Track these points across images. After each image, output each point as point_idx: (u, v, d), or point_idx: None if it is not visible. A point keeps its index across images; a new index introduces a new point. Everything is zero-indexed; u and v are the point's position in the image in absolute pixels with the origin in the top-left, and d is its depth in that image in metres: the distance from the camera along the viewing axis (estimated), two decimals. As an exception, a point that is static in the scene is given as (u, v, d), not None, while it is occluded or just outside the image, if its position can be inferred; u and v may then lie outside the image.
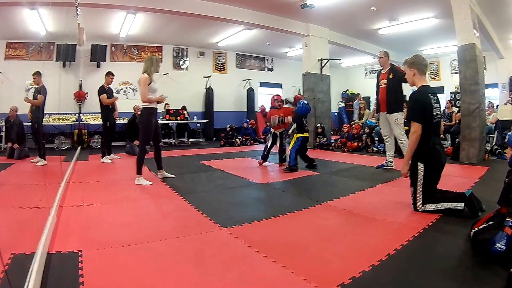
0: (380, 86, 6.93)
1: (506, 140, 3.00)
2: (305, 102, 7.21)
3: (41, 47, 11.49)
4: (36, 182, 5.77)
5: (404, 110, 6.66)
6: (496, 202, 2.92)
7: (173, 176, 6.09)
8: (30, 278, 2.00)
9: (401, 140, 6.69)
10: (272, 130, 7.44)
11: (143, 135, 5.69)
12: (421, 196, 3.77)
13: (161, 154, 6.07)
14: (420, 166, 3.78)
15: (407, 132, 5.07)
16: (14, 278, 2.12)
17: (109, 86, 8.09)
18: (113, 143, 8.75)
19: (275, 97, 7.44)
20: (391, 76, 6.62)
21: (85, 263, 2.47)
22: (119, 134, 12.02)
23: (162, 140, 12.77)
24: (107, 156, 8.09)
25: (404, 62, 4.21)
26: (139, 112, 9.45)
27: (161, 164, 6.08)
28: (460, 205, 3.58)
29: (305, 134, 6.95)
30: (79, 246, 2.80)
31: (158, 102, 5.74)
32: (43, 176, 6.41)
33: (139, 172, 5.60)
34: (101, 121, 8.22)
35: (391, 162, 6.89)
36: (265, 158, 7.61)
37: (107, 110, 7.96)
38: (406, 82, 6.17)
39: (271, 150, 7.57)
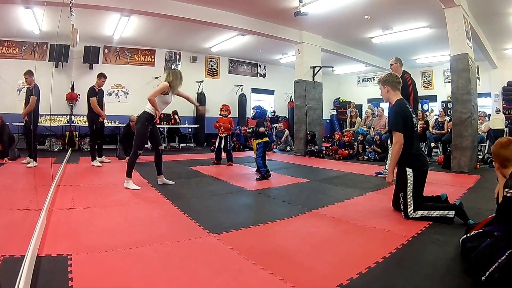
0: None
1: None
2: (260, 106, 7.45)
3: (35, 46, 11.41)
4: (27, 183, 5.76)
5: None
6: (487, 211, 2.96)
7: (172, 183, 5.98)
8: (19, 281, 2.01)
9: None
10: (219, 134, 8.61)
11: (137, 139, 5.58)
12: (411, 202, 3.85)
13: (161, 159, 5.97)
14: (409, 171, 3.90)
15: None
16: (4, 280, 2.13)
17: (100, 88, 8.04)
18: (103, 146, 8.68)
19: (223, 107, 8.80)
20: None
21: (74, 267, 2.48)
22: (110, 138, 12.00)
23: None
24: (97, 159, 8.04)
25: (378, 81, 4.47)
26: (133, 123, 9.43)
27: (161, 169, 5.96)
28: (451, 213, 3.67)
29: (265, 139, 6.99)
30: (68, 249, 2.80)
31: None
32: (33, 177, 6.39)
33: (128, 175, 5.54)
34: (88, 124, 8.18)
35: None
36: (219, 158, 8.74)
37: (94, 113, 7.88)
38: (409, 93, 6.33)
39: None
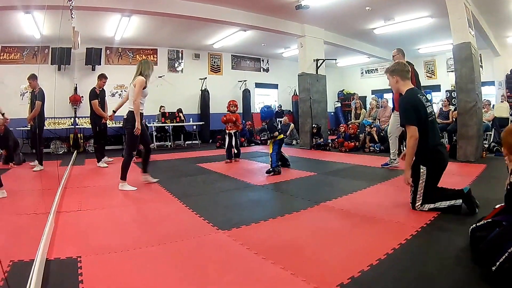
0: None
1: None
2: (267, 106, 7.57)
3: (36, 50, 11.45)
4: (33, 187, 5.75)
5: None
6: (494, 200, 2.92)
7: (156, 180, 5.91)
8: (30, 286, 1.99)
9: (390, 136, 6.93)
10: (227, 131, 8.47)
11: (130, 141, 5.45)
12: (421, 197, 3.75)
13: (149, 157, 5.91)
14: (423, 169, 3.73)
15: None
16: (14, 285, 2.12)
17: (102, 88, 7.99)
18: (107, 147, 8.65)
19: (231, 102, 8.60)
20: None
21: (85, 269, 2.47)
22: (115, 138, 12.03)
23: (158, 143, 12.77)
24: (103, 160, 8.02)
25: (386, 71, 4.27)
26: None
27: (147, 167, 5.90)
28: (458, 202, 3.59)
29: (280, 137, 6.93)
30: (78, 252, 2.79)
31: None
32: (39, 181, 6.39)
33: (123, 177, 5.39)
34: (91, 126, 8.13)
35: (394, 159, 6.93)
36: (230, 156, 8.49)
37: (96, 115, 7.85)
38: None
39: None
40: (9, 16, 8.81)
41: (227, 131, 8.51)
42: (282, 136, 7.02)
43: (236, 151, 8.55)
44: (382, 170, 6.77)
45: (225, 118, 8.47)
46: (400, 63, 4.16)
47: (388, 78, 4.17)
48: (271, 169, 6.54)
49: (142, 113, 5.47)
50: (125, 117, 5.44)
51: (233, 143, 8.45)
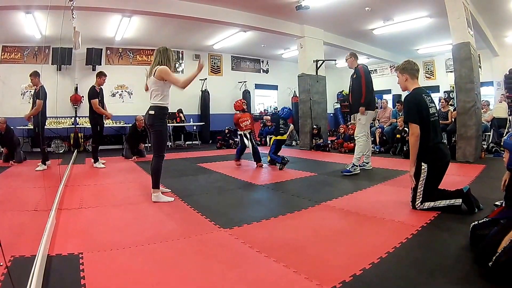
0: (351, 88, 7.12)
1: (502, 143, 2.98)
2: (288, 107, 7.97)
3: (36, 50, 11.45)
4: (34, 185, 5.74)
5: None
6: (493, 200, 2.92)
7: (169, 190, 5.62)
8: (31, 281, 1.99)
9: (357, 138, 6.70)
10: (240, 132, 7.75)
11: (160, 140, 4.70)
12: (421, 195, 3.79)
13: None
14: (424, 166, 3.79)
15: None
16: (15, 280, 2.11)
17: (101, 87, 7.86)
18: (106, 147, 8.58)
19: (240, 102, 8.03)
20: (354, 76, 6.93)
21: (86, 266, 2.47)
22: (115, 138, 12.05)
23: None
24: (100, 161, 7.94)
25: (396, 68, 4.32)
26: (141, 123, 9.06)
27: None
28: (458, 201, 3.62)
29: (284, 137, 7.66)
30: (79, 248, 2.79)
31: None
32: (40, 179, 6.38)
33: (156, 185, 4.63)
34: (91, 125, 7.89)
35: (367, 163, 6.97)
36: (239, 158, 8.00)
37: (96, 114, 7.67)
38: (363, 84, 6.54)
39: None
40: (10, 16, 8.81)
41: (240, 132, 7.74)
42: (285, 137, 7.72)
43: (256, 154, 7.67)
44: (382, 170, 6.81)
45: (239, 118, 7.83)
46: (410, 61, 4.18)
47: (398, 76, 4.22)
48: (281, 166, 7.13)
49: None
50: (151, 113, 4.56)
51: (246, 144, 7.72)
